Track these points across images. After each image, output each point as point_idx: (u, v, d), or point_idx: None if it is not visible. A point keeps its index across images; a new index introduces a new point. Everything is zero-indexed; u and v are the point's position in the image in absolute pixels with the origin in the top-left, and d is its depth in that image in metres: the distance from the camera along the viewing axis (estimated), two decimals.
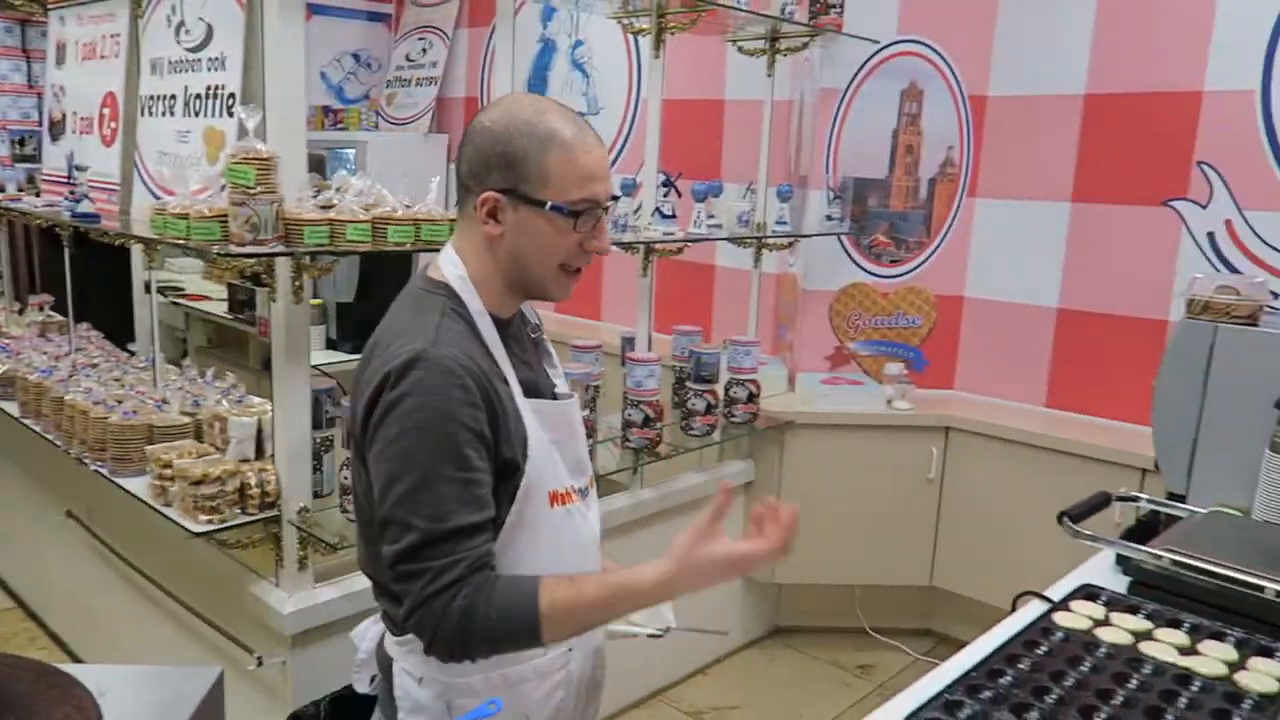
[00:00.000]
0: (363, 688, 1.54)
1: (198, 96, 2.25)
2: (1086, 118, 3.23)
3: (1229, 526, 1.61)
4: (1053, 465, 3.14)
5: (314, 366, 3.24)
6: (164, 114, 2.41)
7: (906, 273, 3.57)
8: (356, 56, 5.96)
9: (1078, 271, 3.31)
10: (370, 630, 1.54)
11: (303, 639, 2.21)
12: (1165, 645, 1.21)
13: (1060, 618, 1.27)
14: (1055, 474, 3.10)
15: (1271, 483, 1.67)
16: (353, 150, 5.35)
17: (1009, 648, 1.19)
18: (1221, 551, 1.43)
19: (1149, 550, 1.46)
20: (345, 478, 2.16)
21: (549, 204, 1.25)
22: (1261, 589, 1.34)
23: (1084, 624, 1.26)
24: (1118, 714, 1.04)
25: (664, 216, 2.59)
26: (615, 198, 1.38)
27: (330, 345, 3.95)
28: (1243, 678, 1.13)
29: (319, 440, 2.22)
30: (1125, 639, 1.22)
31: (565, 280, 1.33)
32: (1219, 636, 1.24)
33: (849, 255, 3.53)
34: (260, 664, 2.22)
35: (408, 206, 2.03)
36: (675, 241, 2.61)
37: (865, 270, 3.55)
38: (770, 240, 3.23)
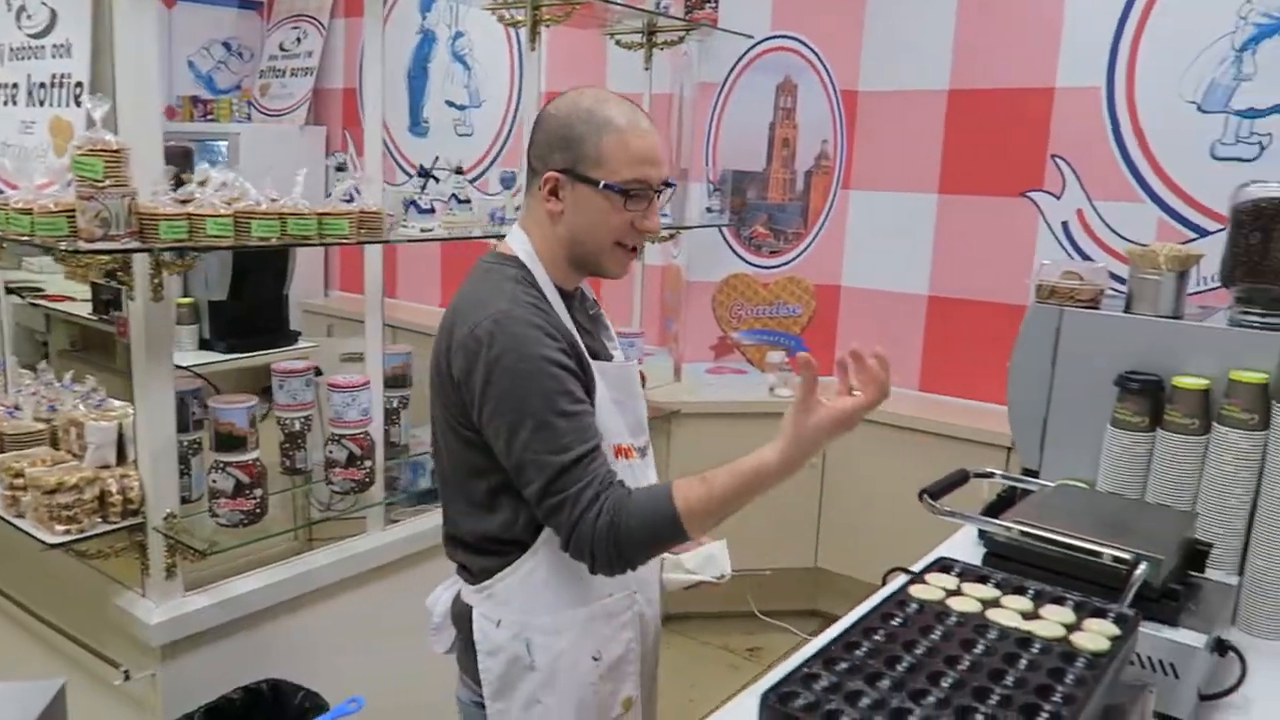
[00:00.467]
0: (441, 649, 1.62)
1: (42, 85, 2.14)
2: (951, 112, 3.37)
3: (1074, 498, 1.71)
4: (926, 447, 3.27)
5: (184, 367, 3.12)
6: (6, 103, 2.27)
7: (786, 263, 3.66)
8: (227, 45, 5.74)
9: (946, 260, 3.46)
10: (443, 595, 1.62)
11: (172, 650, 2.13)
12: (1010, 611, 1.28)
13: (916, 590, 1.33)
14: (929, 455, 3.23)
15: (1112, 455, 1.79)
16: (224, 142, 5.15)
17: (866, 621, 1.24)
18: (1066, 521, 1.52)
19: (999, 523, 1.54)
20: (214, 481, 2.09)
21: (602, 183, 1.37)
22: (1099, 554, 1.43)
23: (937, 595, 1.32)
24: (963, 678, 1.10)
25: None
26: (669, 184, 1.45)
27: (204, 345, 3.80)
28: (1078, 638, 1.21)
29: (186, 443, 2.13)
30: (974, 607, 1.29)
31: (620, 256, 1.44)
32: (1059, 601, 1.32)
33: (730, 247, 3.60)
34: (127, 678, 2.13)
35: (274, 200, 1.97)
36: None
37: (746, 261, 3.63)
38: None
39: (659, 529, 1.31)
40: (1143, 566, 1.40)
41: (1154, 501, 1.74)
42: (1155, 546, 1.43)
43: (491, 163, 4.50)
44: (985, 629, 1.24)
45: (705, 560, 1.66)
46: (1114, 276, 2.00)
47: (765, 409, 3.43)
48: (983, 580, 1.39)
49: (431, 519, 2.64)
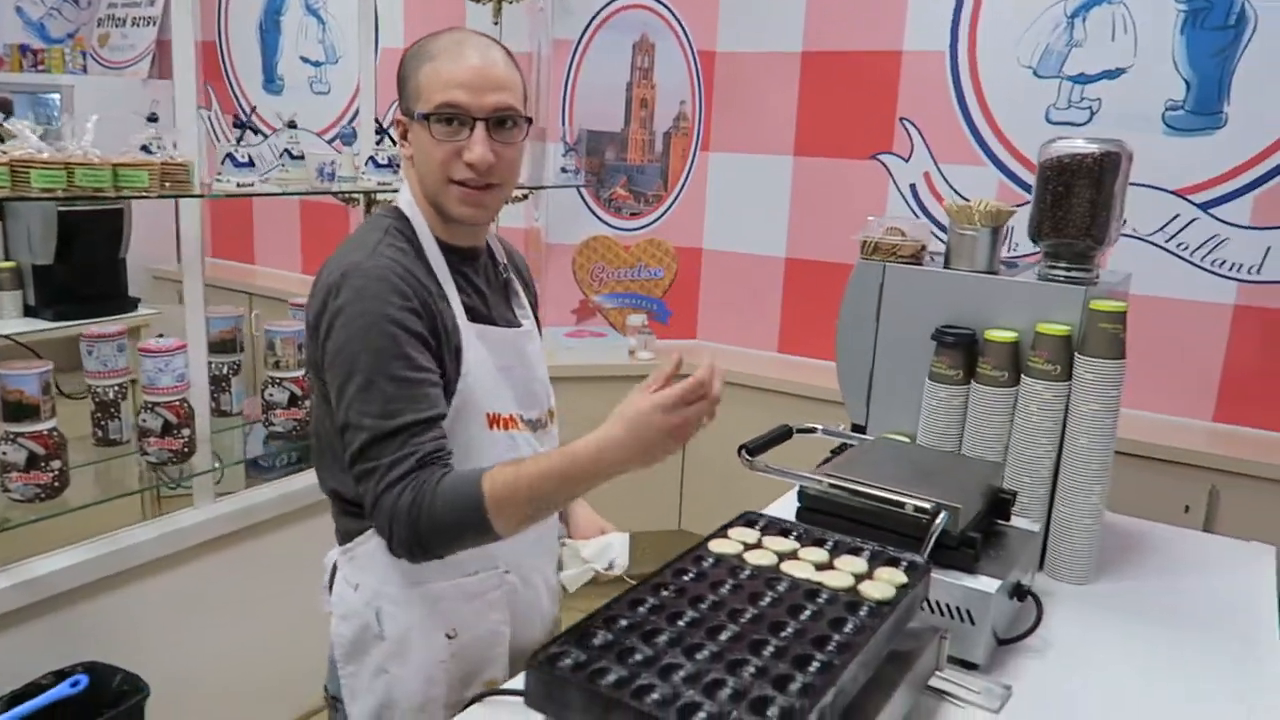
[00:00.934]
0: (326, 608, 1.52)
1: None
2: (805, 75, 3.38)
3: (889, 451, 1.74)
4: (784, 407, 3.30)
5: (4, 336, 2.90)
6: None
7: (646, 225, 3.63)
8: None
9: (801, 223, 3.49)
10: (332, 553, 1.53)
11: None
12: (805, 563, 1.28)
13: (714, 544, 1.32)
14: (786, 415, 3.23)
15: (930, 409, 1.82)
16: (56, 95, 4.80)
17: (658, 576, 1.22)
18: (876, 473, 1.54)
19: (809, 476, 1.54)
20: (4, 453, 1.93)
21: (417, 113, 1.32)
22: (901, 505, 1.45)
23: (735, 549, 1.31)
24: (743, 630, 1.09)
25: (378, 165, 2.46)
26: (509, 111, 1.33)
27: (30, 312, 3.54)
28: (866, 587, 1.21)
29: None
30: (770, 560, 1.28)
31: (455, 195, 1.34)
32: (855, 551, 1.33)
33: (589, 208, 3.54)
34: None
35: (64, 149, 1.82)
36: (390, 191, 2.50)
37: (606, 223, 3.58)
38: None
39: (463, 515, 1.21)
40: (942, 516, 1.42)
41: (968, 453, 1.78)
42: (956, 496, 1.46)
43: (350, 120, 4.32)
44: (776, 581, 1.23)
45: (601, 549, 1.60)
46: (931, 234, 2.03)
47: (625, 372, 3.41)
48: (784, 533, 1.39)
49: (268, 491, 2.53)
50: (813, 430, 1.82)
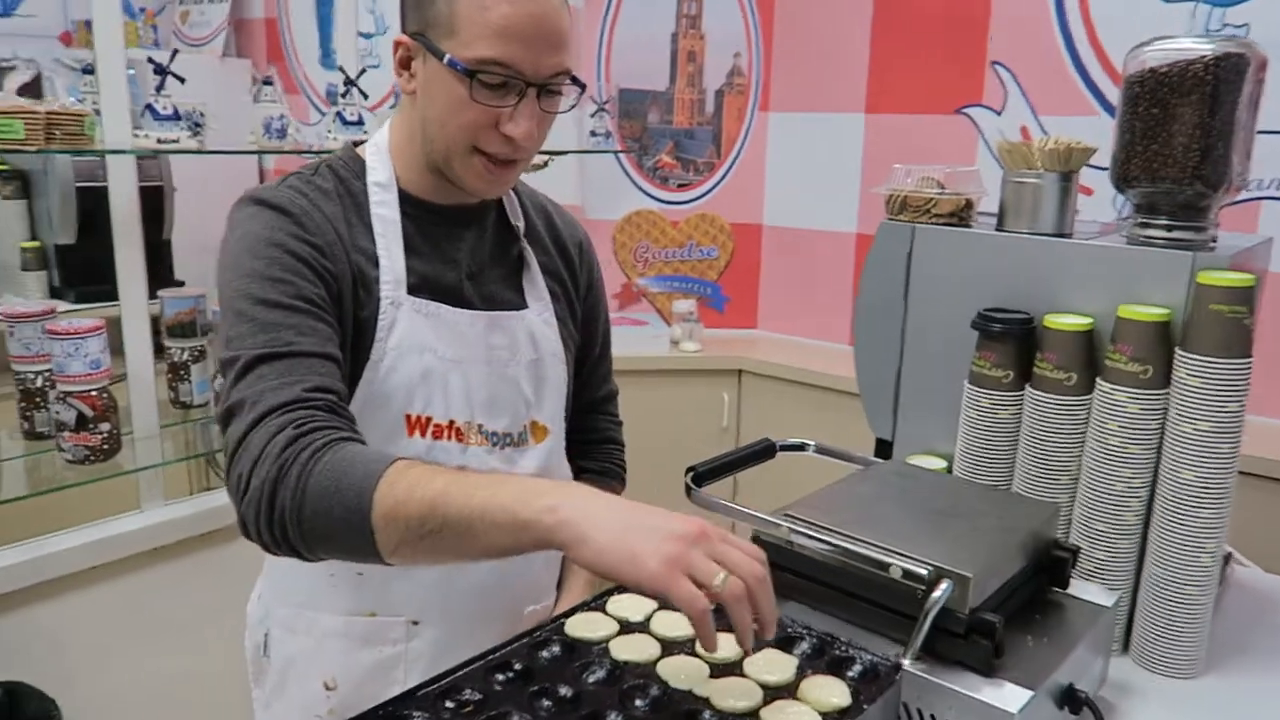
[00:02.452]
0: None
1: None
2: (878, 17, 2.86)
3: (898, 482, 1.25)
4: (857, 410, 2.80)
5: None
6: None
7: (698, 198, 3.18)
8: None
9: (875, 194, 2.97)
10: None
11: None
12: (699, 663, 0.84)
13: (576, 621, 0.89)
14: (853, 418, 2.77)
15: (968, 423, 1.32)
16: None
17: (462, 672, 0.81)
18: (870, 516, 1.08)
19: (762, 516, 1.09)
20: None
21: (447, 57, 0.99)
22: (885, 566, 0.98)
23: (602, 631, 0.88)
24: None
25: (345, 122, 2.12)
26: (565, 77, 1.03)
27: (55, 293, 3.41)
28: (771, 715, 0.77)
29: None
30: (647, 654, 0.84)
31: (477, 168, 1.05)
32: (787, 643, 0.88)
33: (631, 179, 3.13)
34: None
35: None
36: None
37: (651, 196, 3.16)
38: None
39: (345, 499, 0.83)
40: (943, 587, 0.95)
41: (1020, 488, 1.28)
42: (978, 554, 0.99)
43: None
44: (637, 693, 0.79)
45: None
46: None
47: (666, 365, 2.98)
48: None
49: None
50: (801, 448, 1.36)
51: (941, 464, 1.41)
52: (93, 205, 3.39)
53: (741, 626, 0.75)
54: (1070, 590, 1.12)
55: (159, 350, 2.21)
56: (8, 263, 3.40)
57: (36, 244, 3.38)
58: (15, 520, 1.99)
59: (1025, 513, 1.13)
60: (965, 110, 2.73)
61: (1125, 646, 1.24)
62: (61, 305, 3.37)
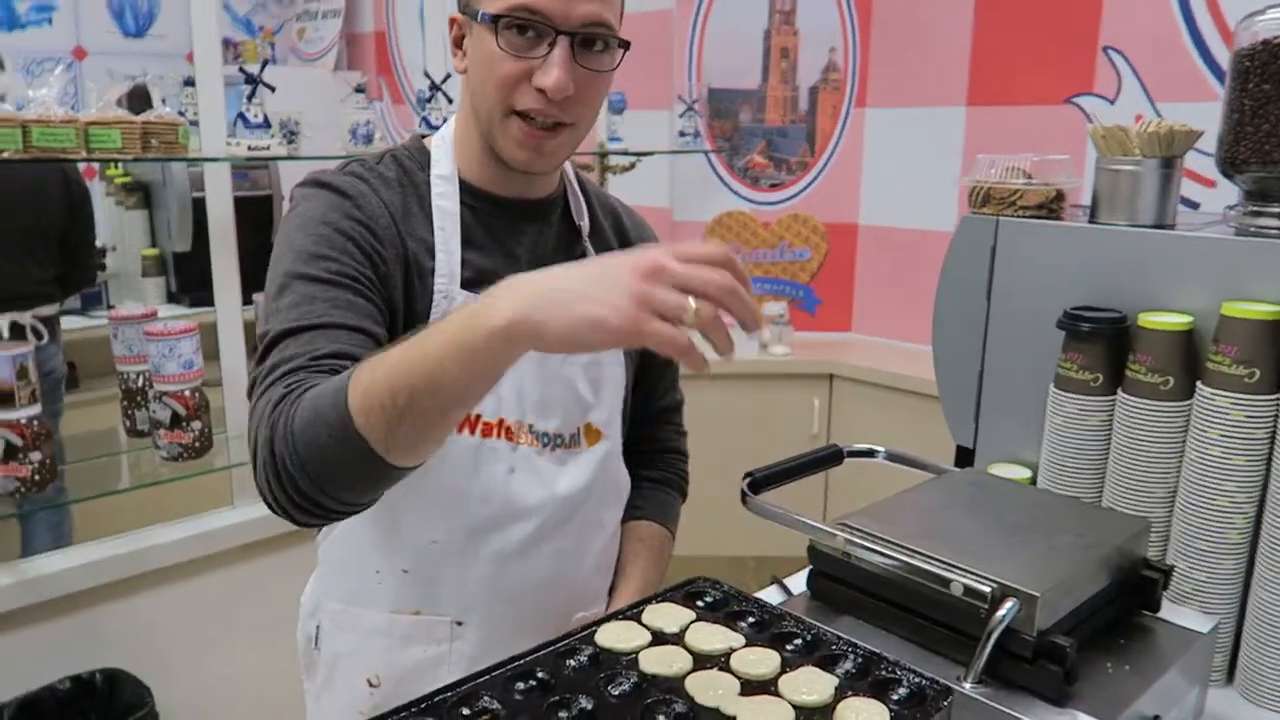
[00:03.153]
0: None
1: None
2: (980, 4, 2.72)
3: (971, 492, 1.16)
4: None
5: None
6: None
7: (790, 198, 3.11)
8: None
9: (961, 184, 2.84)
10: None
11: None
12: (730, 678, 0.79)
13: (606, 631, 0.85)
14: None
15: (1054, 430, 1.23)
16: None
17: (484, 679, 0.78)
18: (936, 528, 1.01)
19: (822, 527, 1.03)
20: None
21: (480, 13, 0.98)
22: (946, 582, 0.91)
23: (634, 641, 0.83)
24: None
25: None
26: (602, 28, 0.98)
27: (172, 299, 3.60)
28: None
29: None
30: (678, 667, 0.80)
31: (513, 131, 1.01)
32: (829, 662, 0.82)
33: (721, 180, 3.08)
34: None
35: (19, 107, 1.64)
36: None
37: (742, 197, 3.10)
38: (614, 162, 2.77)
39: (326, 418, 0.81)
40: (1008, 606, 0.87)
41: (1111, 502, 1.18)
42: (1052, 571, 0.91)
43: None
44: (662, 707, 0.75)
45: None
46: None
47: (754, 370, 2.92)
48: (736, 619, 0.90)
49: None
50: (872, 454, 1.29)
51: (1025, 474, 1.31)
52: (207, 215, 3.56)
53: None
54: (1161, 614, 1.02)
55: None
56: (130, 270, 3.60)
57: (155, 251, 3.57)
58: (119, 513, 2.09)
59: (1110, 528, 1.03)
60: (1075, 100, 2.57)
61: (1230, 677, 1.13)
62: (177, 310, 3.55)
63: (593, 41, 0.99)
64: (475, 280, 1.06)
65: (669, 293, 0.71)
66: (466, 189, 1.09)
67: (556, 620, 1.13)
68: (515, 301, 0.74)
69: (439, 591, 1.09)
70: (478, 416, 1.07)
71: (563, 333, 0.72)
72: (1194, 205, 2.38)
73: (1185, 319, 1.12)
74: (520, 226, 1.12)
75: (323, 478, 0.83)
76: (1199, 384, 1.10)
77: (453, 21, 1.05)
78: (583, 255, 1.16)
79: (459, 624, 1.10)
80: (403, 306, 1.03)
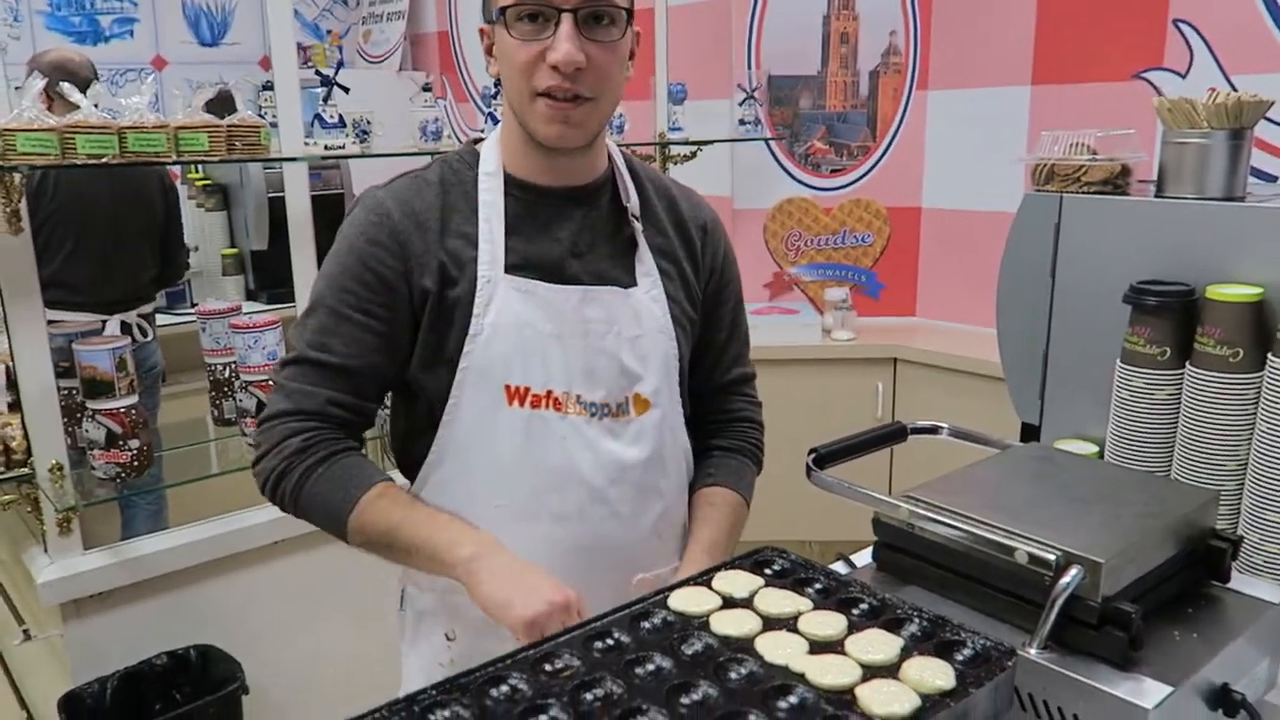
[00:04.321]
0: None
1: None
2: None
3: (1038, 466, 1.17)
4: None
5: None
6: None
7: (851, 183, 3.10)
8: None
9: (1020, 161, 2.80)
10: None
11: (76, 610, 1.98)
12: (800, 639, 0.82)
13: (680, 596, 0.89)
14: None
15: (1120, 405, 1.23)
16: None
17: (563, 639, 0.83)
18: (1002, 501, 1.03)
19: (886, 499, 1.05)
20: (87, 431, 1.90)
21: (495, 9, 1.09)
22: (1010, 550, 0.93)
23: (705, 605, 0.87)
24: None
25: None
26: (602, 3, 1.07)
27: (250, 296, 3.73)
28: (869, 693, 0.74)
29: (68, 391, 1.96)
30: (748, 628, 0.83)
31: (540, 109, 1.10)
32: (896, 624, 0.85)
33: (782, 167, 3.09)
34: (27, 637, 2.01)
35: (113, 115, 1.73)
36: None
37: (802, 183, 3.10)
38: (674, 151, 2.80)
39: (327, 511, 1.13)
40: (1073, 573, 0.89)
41: (1179, 475, 1.18)
42: (1119, 540, 0.92)
43: None
44: (733, 664, 0.79)
45: None
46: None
47: (818, 354, 2.92)
48: (803, 584, 0.93)
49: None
50: (936, 430, 1.30)
51: (1093, 449, 1.32)
52: (283, 214, 3.68)
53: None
54: (1232, 585, 1.02)
55: None
56: (211, 268, 3.75)
57: (234, 251, 3.71)
58: (211, 498, 2.19)
59: (1176, 499, 1.04)
60: (1144, 75, 2.52)
61: None
62: (254, 306, 3.69)
63: (600, 16, 1.06)
64: (520, 264, 1.15)
65: (558, 625, 0.97)
66: (513, 182, 1.17)
67: (617, 581, 1.19)
68: (479, 564, 1.05)
69: (507, 549, 1.15)
70: (527, 389, 1.14)
71: (487, 598, 1.03)
72: (1271, 178, 2.32)
73: (1255, 290, 1.12)
74: (567, 211, 1.18)
75: (300, 518, 1.15)
76: (1269, 356, 1.09)
77: (482, 33, 1.15)
78: (630, 235, 1.21)
79: None
80: (436, 294, 1.13)
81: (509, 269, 1.14)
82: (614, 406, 1.18)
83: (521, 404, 1.14)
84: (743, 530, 1.31)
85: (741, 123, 2.85)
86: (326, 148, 1.97)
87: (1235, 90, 2.29)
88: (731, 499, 1.29)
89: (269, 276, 3.70)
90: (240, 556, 2.15)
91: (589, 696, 0.75)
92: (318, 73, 2.13)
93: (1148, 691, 0.85)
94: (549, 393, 1.14)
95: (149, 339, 2.95)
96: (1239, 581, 1.03)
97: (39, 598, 1.93)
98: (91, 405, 1.86)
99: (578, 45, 1.05)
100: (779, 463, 2.37)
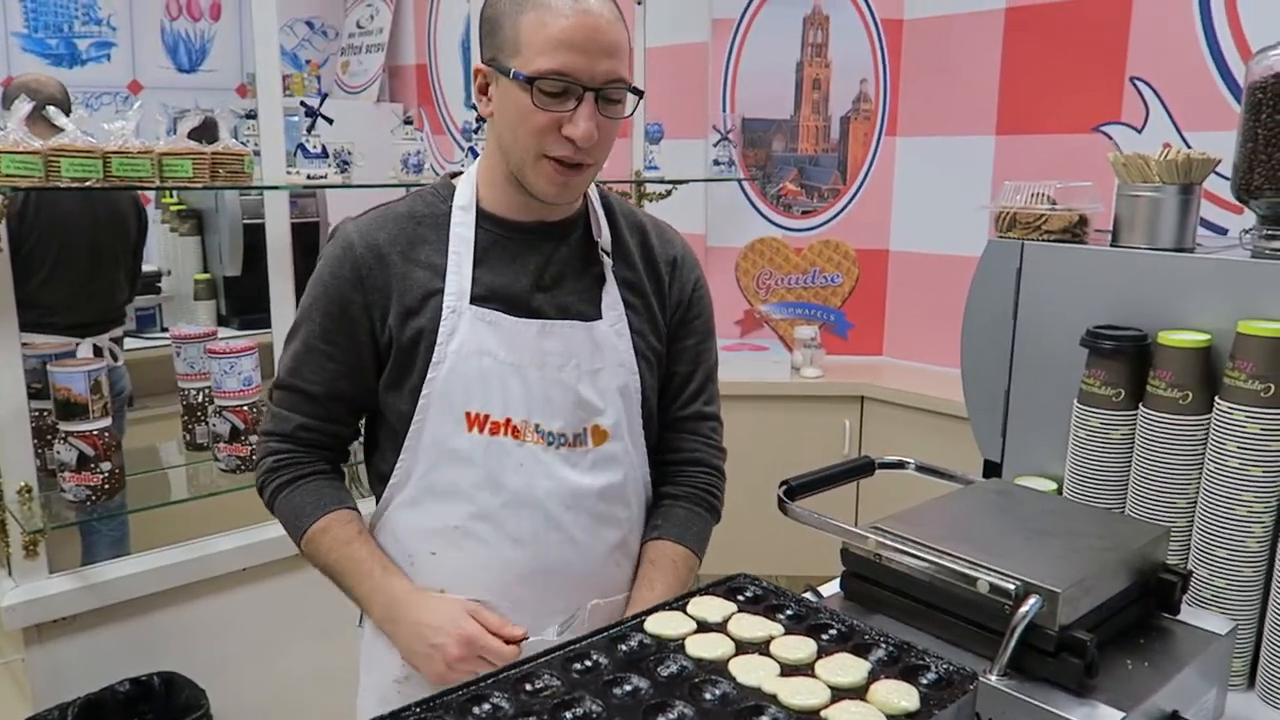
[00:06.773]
0: None
1: None
2: (1009, 35, 2.80)
3: (997, 500, 1.21)
4: None
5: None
6: None
7: (822, 225, 3.18)
8: (310, 24, 5.74)
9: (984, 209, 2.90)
10: None
11: (38, 635, 1.96)
12: (771, 661, 0.85)
13: (656, 620, 0.92)
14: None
15: (1078, 444, 1.28)
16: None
17: (543, 660, 0.86)
18: (962, 533, 1.07)
19: (851, 529, 1.09)
20: (59, 452, 1.90)
21: (513, 72, 1.10)
22: (973, 581, 0.97)
23: (681, 629, 0.90)
24: None
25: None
26: (620, 84, 1.13)
27: (222, 321, 3.72)
28: (837, 714, 0.77)
29: (40, 412, 1.95)
30: (720, 651, 0.86)
31: (547, 172, 1.14)
32: (863, 649, 0.88)
33: (755, 207, 3.16)
34: None
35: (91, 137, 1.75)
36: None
37: (774, 224, 3.18)
38: (649, 189, 2.86)
39: (289, 527, 1.25)
40: (1031, 602, 0.93)
41: (1134, 512, 1.23)
42: (1075, 571, 0.96)
43: None
44: (707, 686, 0.82)
45: None
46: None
47: (786, 391, 2.98)
48: (775, 611, 0.97)
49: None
50: (902, 465, 1.34)
51: (1051, 486, 1.37)
52: (256, 241, 3.69)
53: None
54: (1181, 617, 1.07)
55: None
56: (183, 293, 3.74)
57: (207, 276, 3.71)
58: (180, 523, 2.18)
59: (1130, 533, 1.09)
60: (1102, 128, 2.63)
61: (1251, 682, 1.17)
62: (226, 332, 3.68)
63: (612, 94, 1.11)
64: (486, 296, 1.19)
65: (471, 666, 1.12)
66: (486, 217, 1.21)
67: (571, 604, 1.22)
68: (394, 624, 1.18)
69: (462, 572, 1.19)
70: (486, 416, 1.18)
71: (404, 653, 1.18)
72: (1222, 230, 2.42)
73: (1203, 337, 1.18)
74: (537, 245, 1.21)
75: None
76: (1217, 399, 1.15)
77: (477, 72, 1.17)
78: (600, 269, 1.24)
79: (479, 602, 1.18)
80: (398, 323, 1.18)
81: (474, 299, 1.18)
82: (570, 437, 1.21)
83: (481, 430, 1.18)
84: (692, 579, 1.29)
85: (716, 163, 2.92)
86: (309, 177, 2.00)
87: (1188, 146, 2.40)
88: (675, 554, 1.28)
89: (241, 302, 3.70)
90: (206, 583, 2.14)
91: (569, 715, 0.78)
92: (303, 103, 2.17)
93: (1102, 717, 0.89)
94: (508, 420, 1.18)
95: (118, 362, 2.94)
96: (1188, 614, 1.08)
97: (2, 622, 1.91)
98: (64, 427, 1.86)
99: (596, 123, 1.11)
100: (747, 496, 2.42)
